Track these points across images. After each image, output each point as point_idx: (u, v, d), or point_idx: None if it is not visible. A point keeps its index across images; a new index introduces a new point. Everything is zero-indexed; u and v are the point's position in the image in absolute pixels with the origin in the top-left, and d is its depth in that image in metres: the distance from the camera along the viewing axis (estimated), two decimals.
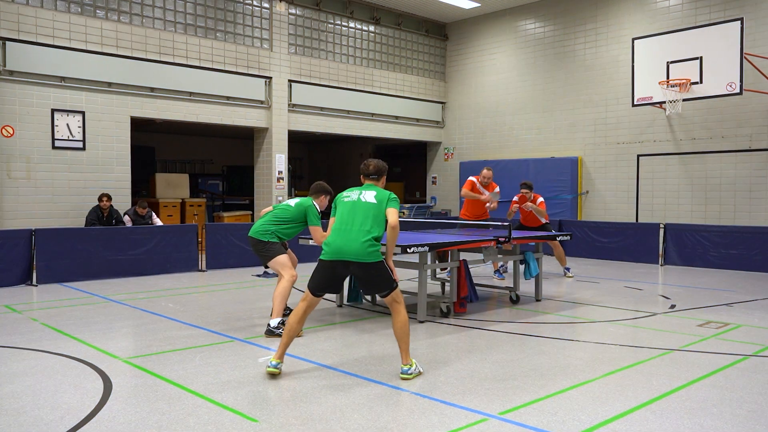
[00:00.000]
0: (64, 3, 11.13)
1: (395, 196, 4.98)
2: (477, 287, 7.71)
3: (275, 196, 14.08)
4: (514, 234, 7.73)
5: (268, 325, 6.14)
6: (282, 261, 6.35)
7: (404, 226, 10.90)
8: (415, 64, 16.93)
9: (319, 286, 4.84)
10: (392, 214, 4.84)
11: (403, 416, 3.92)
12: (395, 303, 4.79)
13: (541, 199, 10.29)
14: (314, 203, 6.49)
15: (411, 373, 4.71)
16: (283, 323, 6.07)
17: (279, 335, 5.95)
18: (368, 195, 4.91)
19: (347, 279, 7.69)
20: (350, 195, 4.99)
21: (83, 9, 11.34)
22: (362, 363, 5.12)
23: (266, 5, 13.90)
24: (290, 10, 14.37)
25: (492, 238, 7.29)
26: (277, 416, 3.92)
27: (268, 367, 4.74)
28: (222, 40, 13.19)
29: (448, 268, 7.74)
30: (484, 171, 10.08)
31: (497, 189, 10.04)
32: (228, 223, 12.99)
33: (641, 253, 12.26)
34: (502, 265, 10.42)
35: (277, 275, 7.17)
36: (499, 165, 15.93)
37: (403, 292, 8.15)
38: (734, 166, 12.45)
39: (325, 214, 6.45)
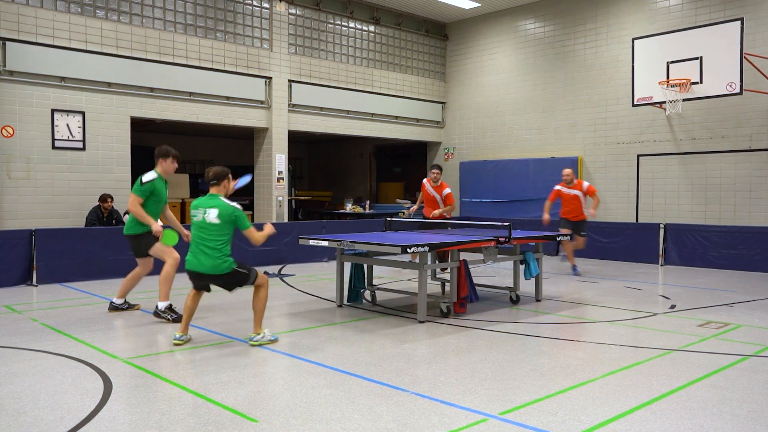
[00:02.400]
0: (64, 3, 11.13)
1: (240, 212, 5.53)
2: (477, 287, 7.71)
3: (275, 196, 14.08)
4: (521, 234, 7.74)
5: (156, 306, 6.68)
6: (161, 247, 6.69)
7: (405, 226, 10.91)
8: (415, 64, 16.92)
9: (194, 286, 5.77)
10: (252, 235, 5.59)
11: (403, 416, 3.92)
12: (258, 287, 5.71)
13: (448, 190, 10.27)
14: (155, 172, 6.81)
15: (258, 340, 5.64)
16: (169, 307, 6.66)
17: (165, 318, 6.61)
18: (211, 214, 5.49)
19: (347, 278, 7.73)
20: (197, 214, 5.59)
21: (83, 9, 11.34)
22: (362, 363, 5.12)
23: (266, 5, 13.90)
24: (290, 10, 14.37)
25: (492, 238, 7.29)
26: (277, 416, 3.92)
27: (174, 339, 5.65)
28: (222, 40, 13.19)
29: (449, 268, 7.75)
30: (565, 170, 10.63)
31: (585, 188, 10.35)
32: None
33: (641, 253, 12.26)
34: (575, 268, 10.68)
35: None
36: (499, 165, 15.95)
37: (403, 292, 8.15)
38: (734, 166, 12.45)
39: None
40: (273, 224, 6.31)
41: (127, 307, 7.23)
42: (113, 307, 7.17)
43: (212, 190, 5.65)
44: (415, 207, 10.67)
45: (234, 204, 5.57)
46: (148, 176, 6.72)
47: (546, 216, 10.66)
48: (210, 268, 5.51)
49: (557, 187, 10.70)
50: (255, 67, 13.64)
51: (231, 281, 5.68)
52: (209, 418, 3.86)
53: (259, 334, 5.69)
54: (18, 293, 8.55)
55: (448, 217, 10.50)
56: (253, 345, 5.62)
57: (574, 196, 10.49)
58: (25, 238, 9.22)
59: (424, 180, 10.55)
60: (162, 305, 6.64)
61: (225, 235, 5.52)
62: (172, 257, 6.63)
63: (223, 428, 3.71)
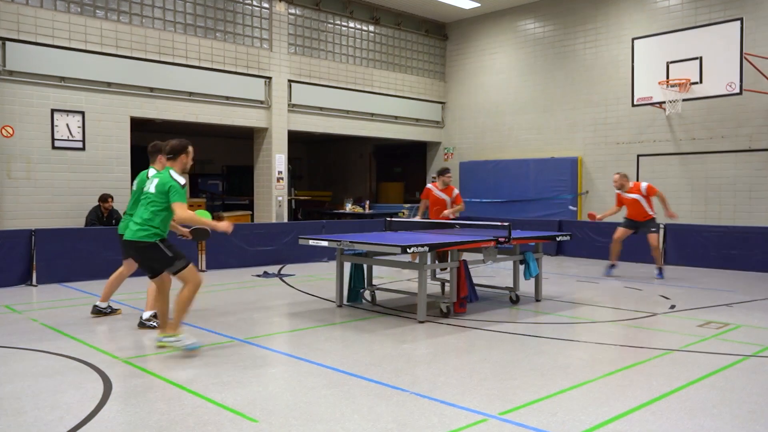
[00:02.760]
0: (63, 3, 11.13)
1: (176, 185, 5.24)
2: (477, 287, 7.71)
3: (275, 196, 14.08)
4: (520, 234, 7.74)
5: (141, 317, 6.48)
6: None
7: (404, 225, 10.91)
8: (414, 64, 16.93)
9: (123, 256, 5.83)
10: (177, 209, 5.20)
11: (403, 416, 3.92)
12: (185, 283, 5.36)
13: (457, 190, 10.12)
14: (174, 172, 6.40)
15: (167, 342, 5.26)
16: (155, 315, 6.33)
17: (151, 326, 6.30)
18: (152, 185, 5.37)
19: (347, 278, 7.73)
20: (146, 184, 5.53)
21: (83, 9, 11.34)
22: (362, 363, 5.12)
23: (266, 5, 13.90)
24: (290, 10, 14.37)
25: (492, 238, 7.29)
26: (277, 416, 3.92)
27: (158, 342, 5.45)
28: (222, 40, 13.19)
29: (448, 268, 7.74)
30: (613, 176, 10.34)
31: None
32: None
33: (641, 253, 12.21)
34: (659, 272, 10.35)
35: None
36: (499, 165, 15.95)
37: (403, 292, 8.14)
38: (734, 166, 12.45)
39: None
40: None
41: (110, 311, 6.99)
42: (97, 311, 6.92)
43: (167, 164, 5.51)
44: (419, 217, 10.48)
45: (178, 177, 5.32)
46: (180, 178, 5.95)
47: (597, 215, 10.42)
48: (131, 234, 5.31)
49: (618, 191, 10.34)
50: (255, 67, 13.65)
51: (149, 257, 5.35)
52: (209, 418, 3.86)
53: (172, 336, 5.30)
54: (18, 293, 8.55)
55: (454, 216, 10.42)
56: (159, 346, 5.36)
57: (633, 201, 10.16)
58: (25, 238, 9.22)
59: (429, 185, 10.42)
60: (147, 314, 6.39)
61: (157, 206, 5.27)
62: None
63: (222, 428, 3.71)
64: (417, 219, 10.23)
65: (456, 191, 10.16)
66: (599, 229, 13.00)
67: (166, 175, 5.33)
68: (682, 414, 3.99)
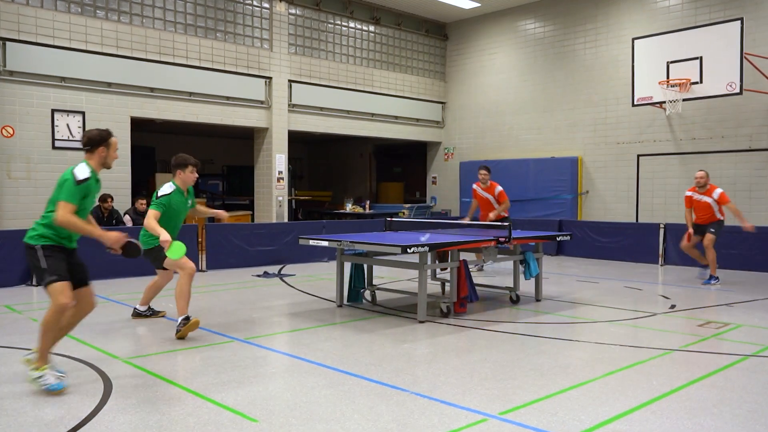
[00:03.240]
0: (64, 3, 11.13)
1: (70, 180, 4.42)
2: (477, 287, 7.70)
3: (275, 196, 14.08)
4: (520, 234, 7.74)
5: (178, 323, 6.01)
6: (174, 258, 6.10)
7: (404, 226, 10.91)
8: (415, 64, 16.93)
9: None
10: (59, 209, 4.36)
11: (403, 416, 3.92)
12: (51, 298, 4.36)
13: (499, 188, 10.03)
14: (173, 185, 6.29)
15: (32, 376, 4.34)
16: (187, 318, 5.97)
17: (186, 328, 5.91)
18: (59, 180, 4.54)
19: (347, 278, 7.72)
20: None
21: (83, 9, 11.35)
22: (362, 363, 5.12)
23: (266, 5, 13.90)
24: (290, 10, 14.37)
25: (492, 238, 7.29)
26: (277, 416, 3.92)
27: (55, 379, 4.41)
28: (222, 40, 13.19)
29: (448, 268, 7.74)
30: (698, 173, 9.66)
31: None
32: (228, 223, 12.96)
33: (641, 253, 12.25)
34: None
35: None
36: (499, 165, 15.94)
37: (403, 292, 8.15)
38: (734, 166, 12.45)
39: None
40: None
41: (152, 314, 6.88)
42: (137, 314, 6.84)
43: (85, 157, 4.71)
44: (468, 217, 10.56)
45: (79, 172, 4.50)
46: (164, 190, 6.29)
47: (690, 230, 9.57)
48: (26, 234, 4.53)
49: (688, 194, 9.70)
50: (255, 67, 13.65)
51: (29, 260, 4.50)
52: (209, 418, 3.87)
53: (39, 370, 4.37)
54: (18, 293, 8.55)
55: (506, 215, 10.36)
56: (34, 378, 4.39)
57: (706, 204, 9.49)
58: None
59: (473, 185, 10.50)
60: (181, 319, 6.04)
61: (54, 204, 4.48)
62: (185, 269, 6.10)
63: (222, 428, 3.71)
64: (466, 221, 10.32)
65: (498, 188, 10.13)
66: (599, 229, 13.01)
67: (69, 168, 4.56)
68: (683, 413, 3.99)
